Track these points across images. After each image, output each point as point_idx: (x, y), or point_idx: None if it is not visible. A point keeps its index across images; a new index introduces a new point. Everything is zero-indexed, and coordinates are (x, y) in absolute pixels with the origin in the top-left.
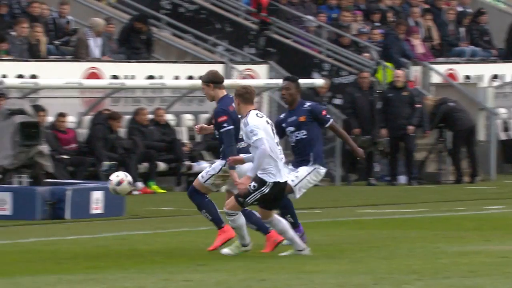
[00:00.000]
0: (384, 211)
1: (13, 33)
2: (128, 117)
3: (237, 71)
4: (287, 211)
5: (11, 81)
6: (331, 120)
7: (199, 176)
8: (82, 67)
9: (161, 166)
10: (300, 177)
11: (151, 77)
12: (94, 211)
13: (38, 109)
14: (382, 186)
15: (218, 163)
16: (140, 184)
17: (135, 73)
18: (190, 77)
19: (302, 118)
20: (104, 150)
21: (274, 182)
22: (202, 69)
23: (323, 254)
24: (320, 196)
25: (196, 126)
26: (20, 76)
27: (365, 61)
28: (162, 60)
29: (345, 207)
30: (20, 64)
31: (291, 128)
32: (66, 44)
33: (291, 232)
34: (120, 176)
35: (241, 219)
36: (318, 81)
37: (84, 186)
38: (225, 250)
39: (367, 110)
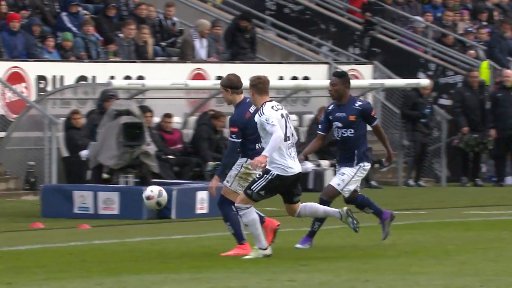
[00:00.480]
0: (490, 212)
1: (120, 34)
2: None
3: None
4: (363, 204)
5: (118, 82)
6: (377, 120)
7: (225, 181)
8: (188, 68)
9: None
10: (346, 181)
11: None
12: (199, 211)
13: (145, 110)
14: (489, 187)
15: (238, 164)
16: None
17: (240, 74)
18: (294, 78)
19: (352, 118)
20: (209, 151)
21: (278, 174)
22: (306, 70)
23: (428, 255)
24: (426, 197)
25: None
26: (128, 78)
27: (471, 61)
28: (267, 60)
29: (451, 208)
30: (127, 66)
31: (339, 124)
32: (172, 45)
33: (258, 228)
34: (154, 192)
35: (253, 214)
36: (423, 81)
37: (190, 186)
38: (247, 256)
39: (477, 110)
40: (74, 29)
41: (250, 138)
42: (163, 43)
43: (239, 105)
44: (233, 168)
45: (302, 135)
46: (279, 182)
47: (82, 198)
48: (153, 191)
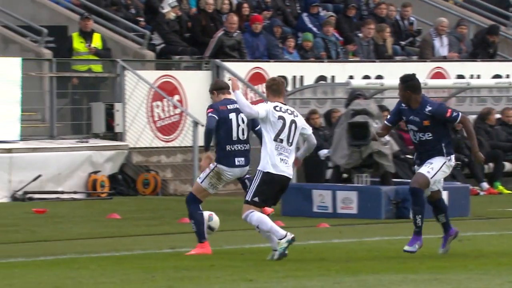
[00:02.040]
0: None
1: (360, 34)
2: (473, 117)
3: None
4: (442, 209)
5: (357, 82)
6: (459, 116)
7: (197, 178)
8: (427, 67)
9: (507, 166)
10: (435, 169)
11: (497, 76)
12: None
13: (383, 109)
14: None
15: (212, 165)
16: (485, 185)
17: (481, 72)
18: None
19: (426, 123)
20: None
21: (262, 172)
22: None
23: None
24: None
25: None
26: (366, 77)
27: None
28: (509, 58)
29: None
30: (366, 65)
31: (413, 127)
32: (411, 44)
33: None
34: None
35: (256, 214)
36: None
37: None
38: (275, 255)
39: None
40: (314, 29)
41: (223, 138)
42: (402, 43)
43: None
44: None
45: None
46: (265, 181)
47: (321, 197)
48: (204, 216)
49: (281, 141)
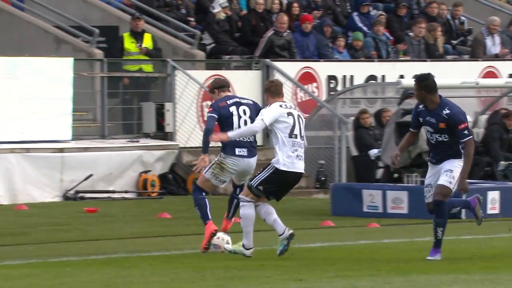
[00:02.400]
0: None
1: (410, 33)
2: None
3: None
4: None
5: (408, 81)
6: (468, 138)
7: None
8: (479, 66)
9: None
10: (456, 177)
11: None
12: (491, 211)
13: None
14: None
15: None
16: None
17: None
18: None
19: (442, 125)
20: (500, 150)
21: (276, 168)
22: None
23: None
24: None
25: None
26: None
27: None
28: None
29: None
30: (417, 64)
31: (430, 129)
32: (462, 44)
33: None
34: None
35: (250, 210)
36: None
37: (480, 186)
38: (227, 246)
39: None
40: (364, 28)
41: (225, 129)
42: (453, 42)
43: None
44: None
45: None
46: (277, 177)
47: (371, 197)
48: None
49: (296, 136)
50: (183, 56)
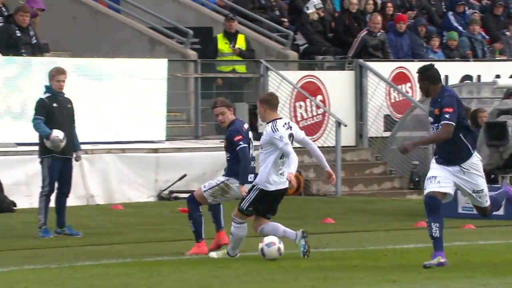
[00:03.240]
0: None
1: (507, 33)
2: None
3: None
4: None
5: (504, 81)
6: (445, 122)
7: (202, 185)
8: None
9: None
10: (486, 193)
11: None
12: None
13: None
14: None
15: (222, 178)
16: None
17: None
18: None
19: (436, 111)
20: None
21: (262, 189)
22: None
23: None
24: None
25: None
26: None
27: None
28: None
29: None
30: None
31: (430, 119)
32: None
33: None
34: (272, 239)
35: (243, 232)
36: None
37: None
38: (212, 254)
39: None
40: (460, 28)
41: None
42: None
43: (233, 122)
44: (215, 180)
45: None
46: (264, 197)
47: (466, 198)
48: (273, 239)
49: (286, 156)
50: (276, 56)
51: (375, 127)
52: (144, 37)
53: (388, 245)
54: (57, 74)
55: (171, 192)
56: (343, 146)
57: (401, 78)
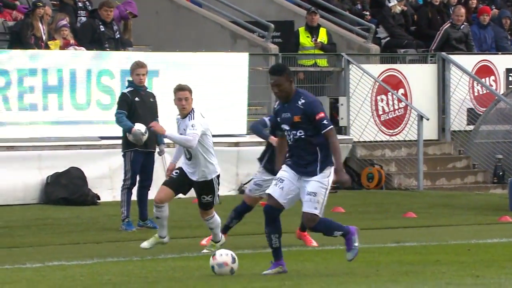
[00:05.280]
0: None
1: None
2: None
3: None
4: None
5: None
6: (328, 129)
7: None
8: None
9: None
10: (321, 202)
11: None
12: None
13: None
14: None
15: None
16: None
17: None
18: None
19: (297, 118)
20: None
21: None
22: None
23: None
24: None
25: None
26: None
27: None
28: None
29: None
30: None
31: (285, 126)
32: None
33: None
34: (225, 259)
35: (216, 221)
36: None
37: None
38: (144, 244)
39: None
40: None
41: None
42: None
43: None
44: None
45: None
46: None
47: None
48: (226, 255)
49: None
50: (358, 50)
51: (458, 121)
52: (225, 31)
53: (471, 239)
54: (136, 67)
55: None
56: (425, 140)
57: (484, 71)
